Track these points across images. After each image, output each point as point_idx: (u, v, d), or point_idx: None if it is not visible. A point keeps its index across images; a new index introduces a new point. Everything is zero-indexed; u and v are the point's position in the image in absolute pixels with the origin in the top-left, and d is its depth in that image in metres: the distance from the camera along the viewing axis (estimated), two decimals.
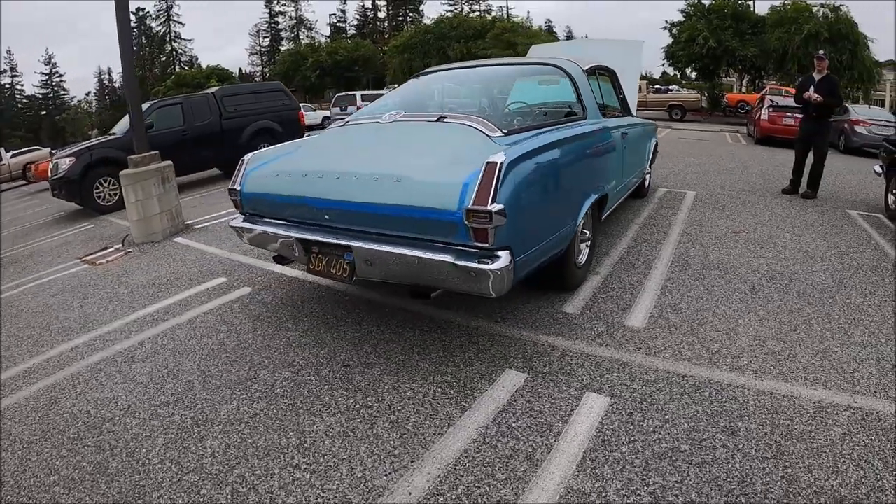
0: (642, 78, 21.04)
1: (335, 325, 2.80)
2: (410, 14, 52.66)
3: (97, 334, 3.03)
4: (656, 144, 5.67)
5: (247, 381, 2.32)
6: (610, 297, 2.99)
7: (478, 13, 44.40)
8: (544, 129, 2.59)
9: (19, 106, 48.49)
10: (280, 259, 2.93)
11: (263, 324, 2.89)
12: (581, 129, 2.92)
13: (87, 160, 6.93)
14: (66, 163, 6.89)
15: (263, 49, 53.78)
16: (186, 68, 47.10)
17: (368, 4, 53.11)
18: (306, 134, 6.64)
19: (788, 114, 10.60)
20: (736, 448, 1.75)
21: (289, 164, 2.72)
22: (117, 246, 5.02)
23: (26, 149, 19.85)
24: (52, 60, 50.18)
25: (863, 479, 1.61)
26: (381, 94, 6.49)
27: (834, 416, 1.91)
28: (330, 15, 56.52)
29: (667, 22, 22.17)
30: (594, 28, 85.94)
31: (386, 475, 1.70)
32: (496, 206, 1.89)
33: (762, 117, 11.36)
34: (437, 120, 2.60)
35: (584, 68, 3.36)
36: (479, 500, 1.58)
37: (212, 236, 4.93)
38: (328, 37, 50.10)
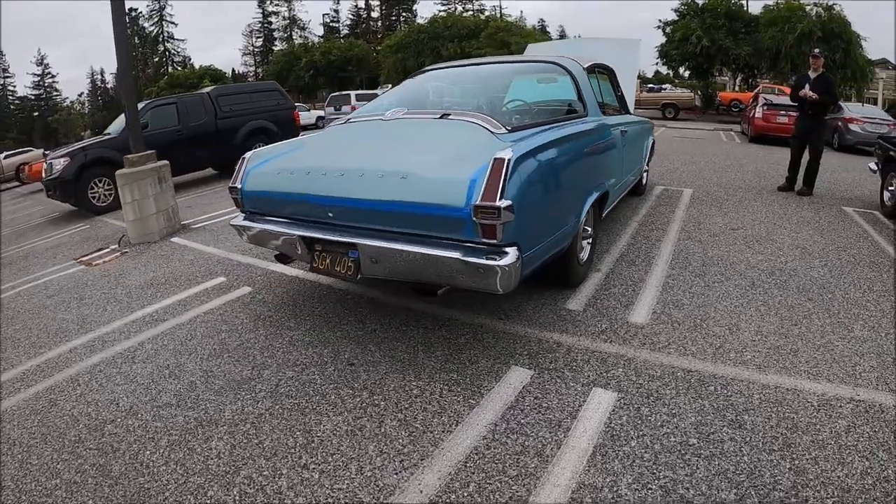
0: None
1: (338, 324, 2.78)
2: (404, 14, 52.55)
3: (96, 335, 2.99)
4: (653, 142, 5.69)
5: (250, 381, 2.30)
6: (612, 293, 3.00)
7: (471, 13, 44.36)
8: (548, 127, 2.59)
9: (12, 107, 48.03)
10: (282, 258, 2.91)
11: (265, 323, 2.87)
12: (583, 126, 2.92)
13: (82, 160, 6.86)
14: (60, 163, 6.81)
15: (256, 49, 53.59)
16: (179, 69, 46.80)
17: (362, 4, 53.04)
18: (301, 133, 6.60)
19: (782, 112, 10.64)
20: (743, 441, 1.76)
21: (291, 161, 2.70)
22: (114, 246, 4.97)
23: (19, 150, 19.76)
24: (45, 61, 49.84)
25: (868, 470, 1.63)
26: (376, 94, 6.45)
27: (838, 408, 1.93)
28: (323, 15, 56.55)
29: (660, 21, 22.33)
30: (587, 28, 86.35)
31: (396, 473, 1.69)
32: (505, 202, 1.89)
33: (756, 115, 11.41)
34: (440, 117, 2.59)
35: (584, 66, 3.37)
36: (492, 497, 1.58)
37: (209, 236, 4.89)
38: (321, 37, 49.87)
